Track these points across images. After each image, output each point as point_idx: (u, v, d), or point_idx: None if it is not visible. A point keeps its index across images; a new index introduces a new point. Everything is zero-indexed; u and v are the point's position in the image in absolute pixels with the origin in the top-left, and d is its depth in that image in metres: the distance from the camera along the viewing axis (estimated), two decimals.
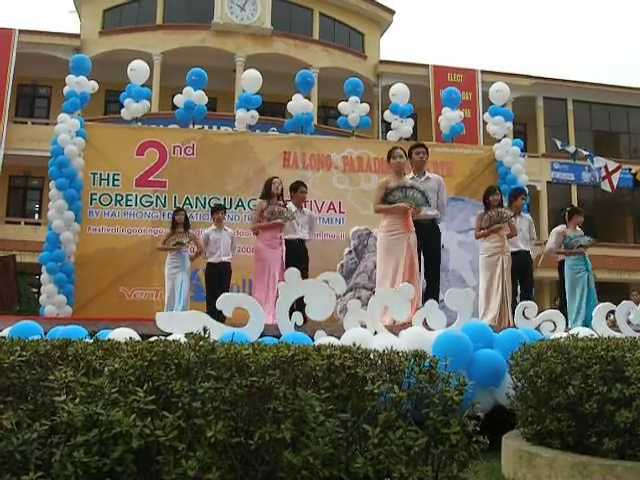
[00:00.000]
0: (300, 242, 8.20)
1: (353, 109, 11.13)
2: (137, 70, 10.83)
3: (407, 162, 7.08)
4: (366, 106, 11.29)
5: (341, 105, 11.28)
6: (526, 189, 9.29)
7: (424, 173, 7.43)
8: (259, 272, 7.73)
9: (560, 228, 9.21)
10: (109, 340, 2.98)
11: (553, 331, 5.64)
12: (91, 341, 2.98)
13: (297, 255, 7.90)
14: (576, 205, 27.07)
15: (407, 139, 11.77)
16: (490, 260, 7.62)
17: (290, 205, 8.22)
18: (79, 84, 10.37)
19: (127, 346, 2.59)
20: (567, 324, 7.90)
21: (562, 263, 9.03)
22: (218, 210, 8.99)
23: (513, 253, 8.06)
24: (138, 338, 3.05)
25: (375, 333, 5.09)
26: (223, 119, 17.82)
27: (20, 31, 22.44)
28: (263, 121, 12.56)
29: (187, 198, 10.25)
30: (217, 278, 8.69)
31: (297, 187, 8.40)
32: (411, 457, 2.25)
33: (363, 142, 12.18)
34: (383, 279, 6.63)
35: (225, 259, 8.78)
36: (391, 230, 6.66)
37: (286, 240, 8.02)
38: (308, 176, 10.48)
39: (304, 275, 8.12)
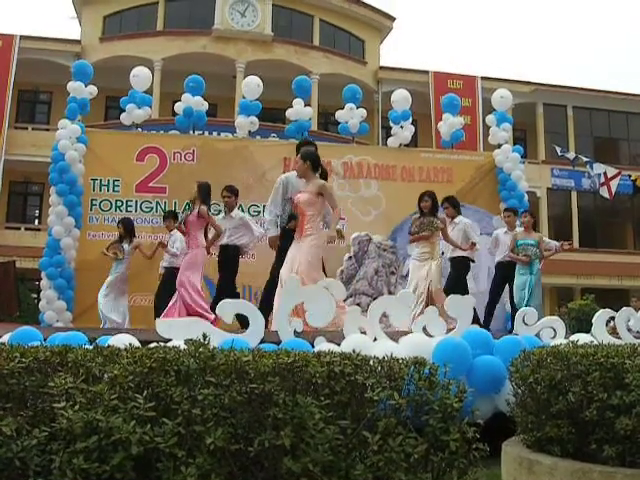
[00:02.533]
0: (224, 248, 8.21)
1: (351, 115, 11.13)
2: (140, 76, 10.85)
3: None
4: (363, 111, 11.28)
5: (339, 113, 11.29)
6: (455, 197, 9.26)
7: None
8: None
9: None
10: (109, 346, 2.98)
11: (553, 338, 5.63)
12: (91, 347, 2.98)
13: (220, 261, 7.97)
14: (576, 212, 27.31)
15: (407, 145, 11.79)
16: (418, 265, 7.90)
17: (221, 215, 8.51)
18: (77, 90, 10.37)
19: (127, 352, 2.59)
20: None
21: (499, 263, 9.35)
22: (167, 217, 9.30)
23: (450, 259, 8.55)
24: (138, 344, 3.05)
25: (375, 339, 5.09)
26: (223, 125, 17.84)
27: (21, 37, 22.50)
28: (263, 127, 12.57)
29: (187, 204, 10.23)
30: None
31: (222, 191, 8.48)
32: (411, 464, 2.25)
33: (363, 148, 12.19)
34: None
35: (166, 264, 9.08)
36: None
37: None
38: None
39: (227, 280, 8.17)
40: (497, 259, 9.43)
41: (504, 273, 9.07)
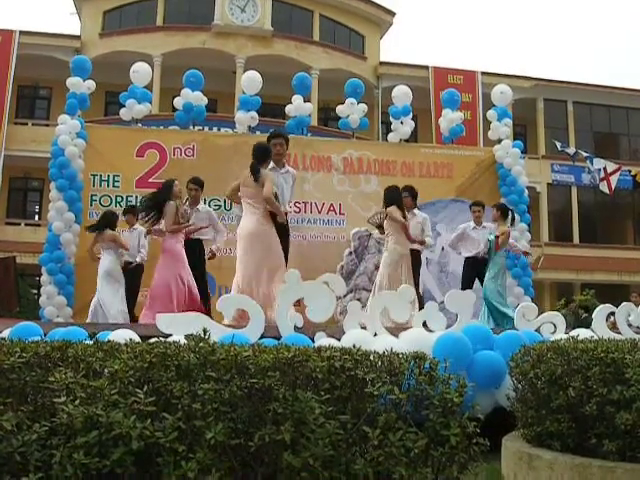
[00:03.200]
0: (194, 242, 8.10)
1: (352, 110, 11.11)
2: (139, 72, 10.81)
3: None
4: (364, 106, 11.25)
5: (339, 108, 11.26)
6: (414, 188, 9.09)
7: (284, 165, 7.91)
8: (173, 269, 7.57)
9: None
10: (109, 341, 2.98)
11: (553, 333, 5.64)
12: (91, 342, 2.98)
13: (189, 256, 7.71)
14: (576, 207, 27.32)
15: (407, 140, 11.78)
16: None
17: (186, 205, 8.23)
18: (76, 85, 10.35)
19: (127, 347, 2.59)
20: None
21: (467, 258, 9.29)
22: (127, 212, 9.14)
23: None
24: (138, 339, 3.06)
25: (375, 335, 5.09)
26: (223, 120, 17.82)
27: (21, 32, 22.47)
28: (263, 122, 12.55)
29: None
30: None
31: (187, 184, 8.37)
32: (411, 459, 2.25)
33: (363, 144, 12.17)
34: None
35: (127, 259, 8.93)
36: None
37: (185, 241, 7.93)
38: (308, 177, 10.47)
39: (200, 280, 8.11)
40: (465, 254, 9.34)
41: (473, 269, 9.00)
